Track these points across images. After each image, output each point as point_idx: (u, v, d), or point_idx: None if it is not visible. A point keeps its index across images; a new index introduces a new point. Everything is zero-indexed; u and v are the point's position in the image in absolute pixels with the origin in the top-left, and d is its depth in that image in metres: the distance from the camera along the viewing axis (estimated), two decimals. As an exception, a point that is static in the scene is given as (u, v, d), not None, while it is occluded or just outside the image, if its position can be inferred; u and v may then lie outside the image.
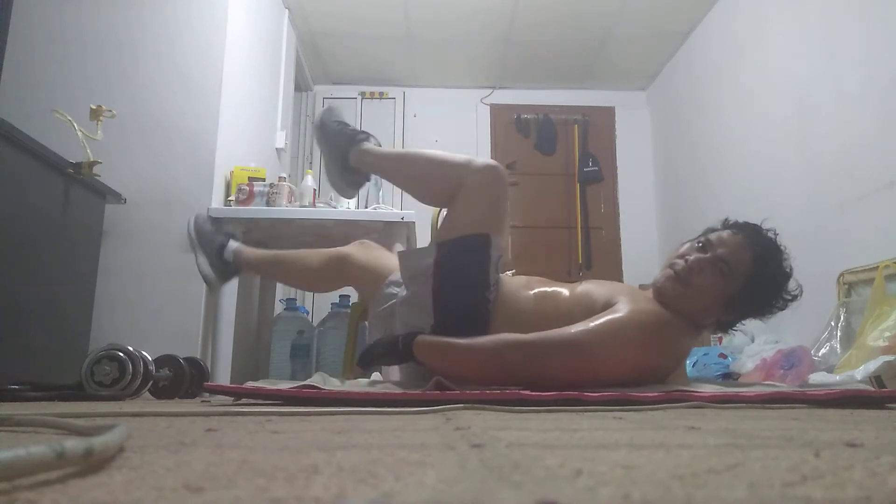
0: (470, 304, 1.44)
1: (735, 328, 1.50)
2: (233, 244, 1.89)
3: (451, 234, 1.51)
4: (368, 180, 1.86)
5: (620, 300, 1.36)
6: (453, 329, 1.40)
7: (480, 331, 1.39)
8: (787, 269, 1.40)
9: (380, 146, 1.77)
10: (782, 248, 1.42)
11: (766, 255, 1.39)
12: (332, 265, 1.78)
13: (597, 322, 1.31)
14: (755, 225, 1.45)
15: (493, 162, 1.54)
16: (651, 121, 4.74)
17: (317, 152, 4.51)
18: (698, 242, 1.43)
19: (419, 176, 1.65)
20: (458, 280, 1.47)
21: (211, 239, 1.88)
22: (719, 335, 2.93)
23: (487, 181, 1.50)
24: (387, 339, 1.45)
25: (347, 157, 1.71)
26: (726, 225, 1.46)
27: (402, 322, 1.52)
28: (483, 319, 1.43)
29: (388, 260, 1.75)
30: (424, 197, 1.68)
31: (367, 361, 1.42)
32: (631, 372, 1.31)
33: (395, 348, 1.38)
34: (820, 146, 2.67)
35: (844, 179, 2.49)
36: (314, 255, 1.84)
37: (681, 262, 1.41)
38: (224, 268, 1.88)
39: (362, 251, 1.79)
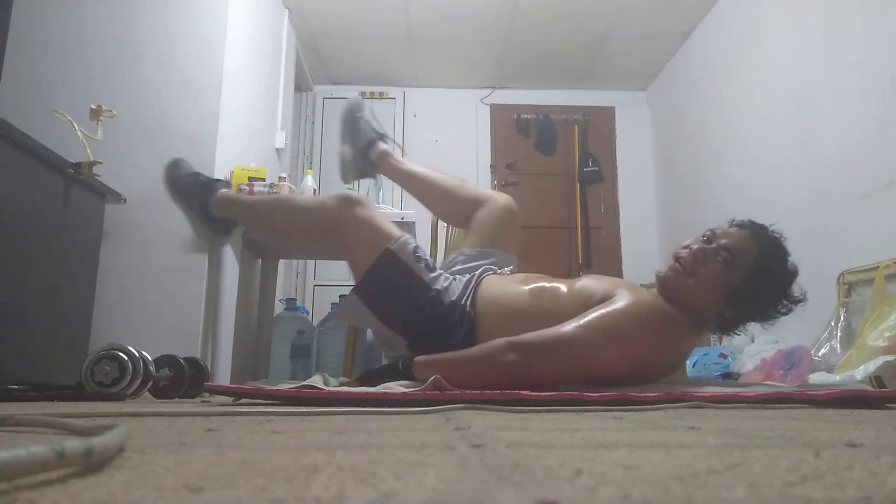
0: (421, 305, 1.48)
1: (737, 330, 1.48)
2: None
3: (358, 273, 1.56)
4: (237, 226, 1.88)
5: (618, 293, 1.35)
6: (429, 336, 1.46)
7: (462, 328, 1.42)
8: (792, 268, 1.40)
9: (235, 192, 1.80)
10: (787, 249, 1.42)
11: (769, 250, 1.39)
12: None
13: (590, 317, 1.30)
14: (762, 224, 1.45)
15: (341, 192, 1.60)
16: (651, 121, 4.74)
17: (316, 152, 4.52)
18: (703, 235, 1.44)
19: (283, 224, 1.70)
20: (392, 299, 1.52)
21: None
22: (720, 335, 2.93)
23: (351, 213, 1.55)
24: (386, 365, 1.53)
25: (208, 208, 1.73)
26: (732, 223, 1.47)
27: (385, 353, 1.63)
28: (455, 315, 1.46)
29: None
30: (293, 239, 1.75)
31: (368, 382, 1.43)
32: (628, 368, 1.30)
33: (395, 372, 1.41)
34: (820, 146, 2.67)
35: (844, 179, 2.49)
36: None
37: (685, 251, 1.41)
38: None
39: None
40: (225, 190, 1.76)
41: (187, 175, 1.78)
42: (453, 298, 1.50)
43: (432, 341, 1.44)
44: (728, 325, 1.46)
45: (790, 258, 1.41)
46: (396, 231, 1.58)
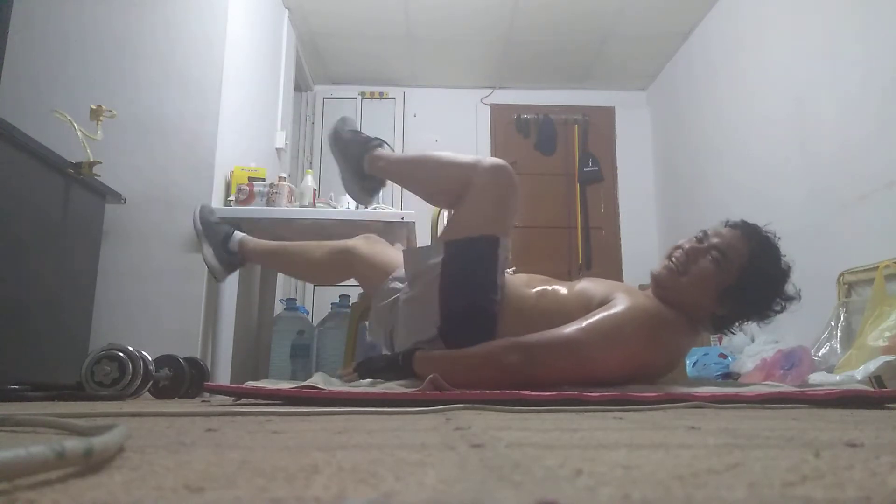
0: (476, 306, 1.43)
1: (732, 329, 1.48)
2: (237, 235, 1.91)
3: (458, 233, 1.49)
4: (384, 185, 1.87)
5: (617, 297, 1.37)
6: (459, 330, 1.42)
7: (487, 332, 1.40)
8: (784, 267, 1.41)
9: (392, 151, 1.79)
10: (779, 248, 1.43)
11: (761, 249, 1.40)
12: (336, 257, 1.79)
13: (592, 320, 1.31)
14: (754, 223, 1.46)
15: (501, 162, 1.52)
16: (651, 121, 4.74)
17: (316, 152, 4.52)
18: (696, 236, 1.46)
19: (429, 179, 1.65)
20: (466, 281, 1.46)
21: (216, 230, 1.91)
22: (718, 336, 2.93)
23: (494, 181, 1.48)
24: (388, 355, 1.47)
25: (362, 164, 1.73)
26: (726, 223, 1.48)
27: (405, 321, 1.52)
28: (490, 321, 1.43)
29: (392, 254, 1.75)
30: (435, 198, 1.69)
31: (366, 374, 1.42)
32: (628, 370, 1.32)
33: (395, 364, 1.39)
34: (820, 146, 2.67)
35: (844, 179, 2.49)
36: (318, 246, 1.86)
37: (678, 251, 1.44)
38: (229, 258, 1.90)
39: (367, 245, 1.80)
40: (381, 148, 1.74)
41: (350, 131, 1.78)
42: (496, 309, 1.46)
43: (462, 336, 1.40)
44: (722, 324, 1.46)
45: (783, 257, 1.42)
46: (511, 227, 1.54)
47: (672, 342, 1.39)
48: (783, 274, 1.40)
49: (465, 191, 1.50)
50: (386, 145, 1.78)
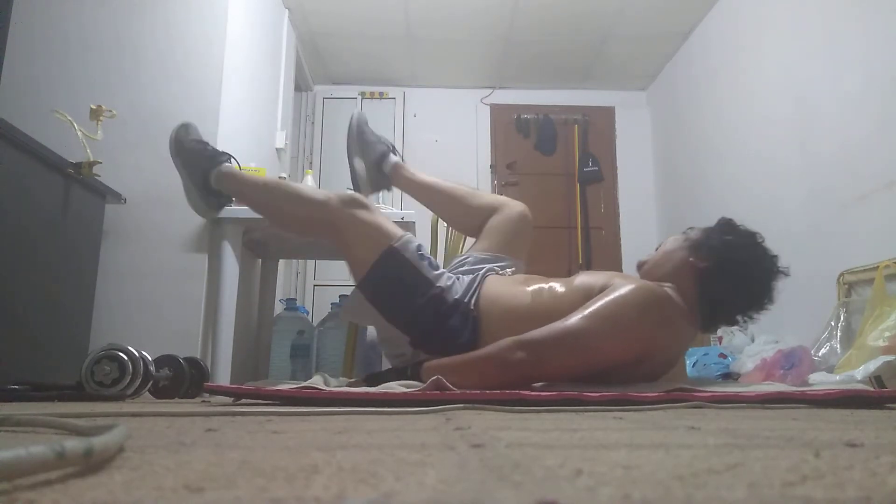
0: (424, 303, 1.48)
1: (729, 309, 1.48)
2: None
3: (360, 271, 1.56)
4: (231, 202, 1.87)
5: (616, 282, 1.39)
6: (433, 334, 1.47)
7: (467, 327, 1.43)
8: (751, 231, 1.49)
9: (238, 168, 1.76)
10: (755, 235, 1.49)
11: (730, 228, 1.50)
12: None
13: (593, 307, 1.32)
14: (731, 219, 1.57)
15: (346, 192, 1.60)
16: (651, 121, 4.74)
17: (316, 152, 4.52)
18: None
19: (285, 214, 1.69)
20: (396, 296, 1.53)
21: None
22: (718, 336, 2.93)
23: (353, 213, 1.55)
24: (395, 369, 1.52)
25: (208, 178, 1.72)
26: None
27: (387, 353, 1.62)
28: (458, 313, 1.47)
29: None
30: (286, 228, 1.73)
31: (375, 385, 1.43)
32: (634, 353, 1.32)
33: (403, 377, 1.42)
34: (820, 146, 2.67)
35: (844, 179, 2.49)
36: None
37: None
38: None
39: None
40: (229, 164, 1.74)
41: (194, 141, 1.76)
42: (457, 297, 1.51)
43: (435, 339, 1.46)
44: (714, 311, 1.47)
45: (758, 237, 1.49)
46: (399, 230, 1.59)
47: (674, 323, 1.39)
48: (750, 231, 1.49)
49: (334, 233, 1.56)
50: (233, 160, 1.76)
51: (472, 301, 1.50)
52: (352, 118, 1.95)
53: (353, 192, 1.63)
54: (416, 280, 1.51)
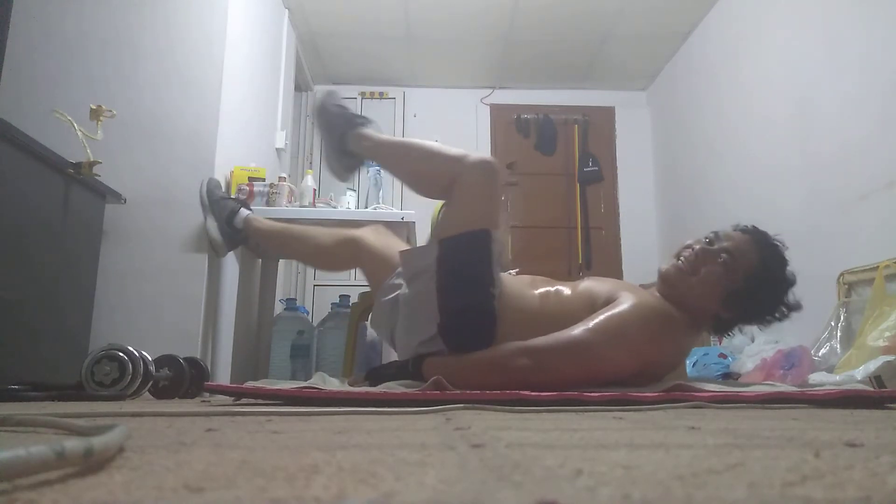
0: (475, 300, 1.43)
1: (732, 332, 1.51)
2: (244, 212, 1.92)
3: (450, 230, 1.50)
4: (363, 164, 1.86)
5: (622, 295, 1.37)
6: (458, 327, 1.42)
7: (488, 329, 1.40)
8: (790, 277, 1.43)
9: (380, 132, 1.76)
10: (786, 257, 1.45)
11: (769, 257, 1.42)
12: (343, 246, 1.79)
13: (599, 319, 1.32)
14: (764, 230, 1.49)
15: (487, 157, 1.53)
16: (651, 121, 4.74)
17: (317, 152, 4.52)
18: (706, 237, 1.48)
19: (414, 166, 1.65)
20: (462, 277, 1.47)
21: (222, 204, 1.92)
22: (718, 336, 2.93)
23: (482, 177, 1.49)
24: (397, 362, 1.49)
25: (346, 140, 1.71)
26: (737, 228, 1.51)
27: (405, 320, 1.51)
28: (490, 316, 1.43)
29: (400, 247, 1.75)
30: (417, 187, 1.67)
31: (377, 381, 1.43)
32: (636, 366, 1.33)
33: (405, 371, 1.40)
34: (820, 146, 2.67)
35: (844, 179, 2.49)
36: (326, 233, 1.85)
37: (688, 251, 1.45)
38: (232, 234, 1.92)
39: (375, 236, 1.80)
40: (366, 128, 1.72)
41: (336, 105, 1.76)
42: (496, 303, 1.46)
43: (462, 333, 1.40)
44: (724, 327, 1.49)
45: (789, 267, 1.44)
46: (500, 221, 1.54)
47: (677, 339, 1.40)
48: (788, 283, 1.42)
49: (453, 185, 1.50)
50: (374, 125, 1.75)
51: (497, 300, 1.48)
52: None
53: (490, 158, 1.56)
54: (485, 273, 1.45)
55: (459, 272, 1.47)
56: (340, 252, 1.80)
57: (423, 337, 1.44)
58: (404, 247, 1.74)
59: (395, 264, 1.64)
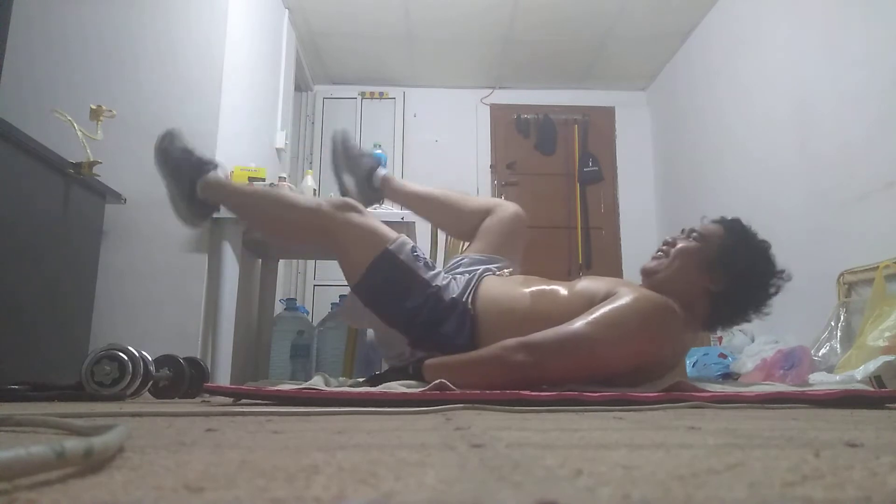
0: (422, 303, 1.48)
1: (732, 319, 1.50)
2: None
3: (355, 274, 1.55)
4: (217, 211, 1.83)
5: (620, 290, 1.38)
6: (430, 333, 1.47)
7: (464, 326, 1.44)
8: (763, 241, 1.48)
9: (226, 176, 1.75)
10: (752, 229, 1.51)
11: (735, 226, 1.50)
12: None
13: (597, 314, 1.32)
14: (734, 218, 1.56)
15: (339, 199, 1.60)
16: (651, 121, 4.74)
17: (317, 152, 4.51)
18: (681, 231, 1.56)
19: (271, 217, 1.67)
20: (393, 298, 1.52)
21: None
22: (719, 335, 2.93)
23: (344, 216, 1.55)
24: (396, 368, 1.52)
25: (195, 188, 1.69)
26: (702, 219, 1.60)
27: (386, 352, 1.60)
28: (456, 312, 1.47)
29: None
30: (276, 235, 1.71)
31: (377, 383, 1.43)
32: (636, 360, 1.33)
33: (405, 375, 1.42)
34: (820, 146, 2.67)
35: (844, 179, 2.49)
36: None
37: (663, 245, 1.54)
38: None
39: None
40: (215, 173, 1.70)
41: (180, 149, 1.73)
42: (454, 296, 1.51)
43: (433, 339, 1.46)
44: (721, 308, 1.47)
45: (760, 238, 1.49)
46: (393, 233, 1.59)
47: (676, 334, 1.40)
48: (763, 246, 1.47)
49: (327, 238, 1.56)
50: (221, 169, 1.72)
51: (469, 300, 1.50)
52: (335, 135, 1.94)
53: (343, 196, 1.62)
54: (412, 281, 1.51)
55: (388, 297, 1.53)
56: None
57: (404, 357, 1.51)
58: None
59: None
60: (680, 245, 1.48)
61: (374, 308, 1.54)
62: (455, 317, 1.47)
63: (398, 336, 1.52)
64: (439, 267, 1.68)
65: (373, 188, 1.90)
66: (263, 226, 1.74)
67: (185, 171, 1.70)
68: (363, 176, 1.89)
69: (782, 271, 1.46)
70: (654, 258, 1.53)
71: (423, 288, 1.50)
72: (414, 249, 1.57)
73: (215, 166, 1.72)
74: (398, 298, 1.51)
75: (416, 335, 1.49)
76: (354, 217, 1.56)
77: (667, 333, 1.36)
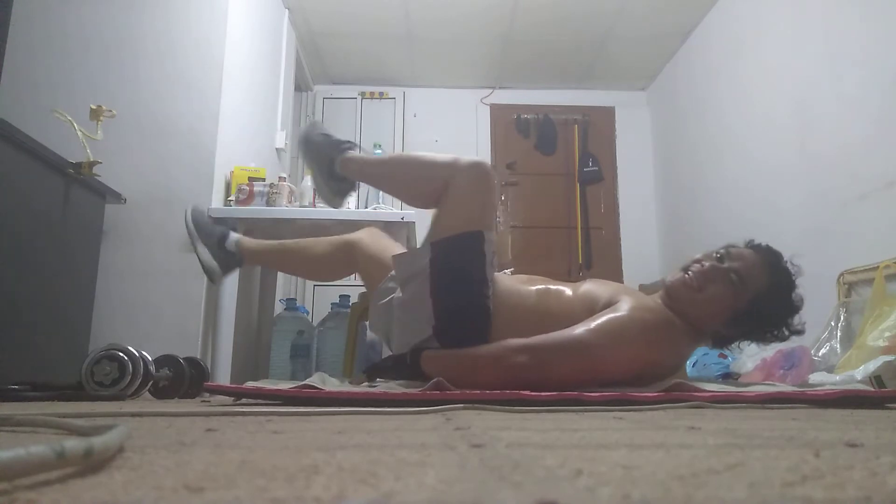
0: (469, 302, 1.43)
1: (731, 347, 1.51)
2: (234, 235, 1.88)
3: (443, 233, 1.49)
4: (355, 189, 1.86)
5: (622, 299, 1.37)
6: (453, 328, 1.42)
7: (482, 329, 1.40)
8: (798, 302, 1.41)
9: (367, 154, 1.79)
10: (796, 281, 1.42)
11: (779, 283, 1.40)
12: (338, 252, 1.80)
13: (599, 321, 1.32)
14: (777, 252, 1.46)
15: (478, 159, 1.53)
16: (651, 121, 4.74)
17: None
18: (717, 253, 1.45)
19: (405, 179, 1.65)
20: (456, 279, 1.46)
21: (210, 230, 1.86)
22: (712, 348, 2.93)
23: (474, 179, 1.49)
24: (394, 356, 1.48)
25: (334, 166, 1.71)
26: (749, 244, 1.48)
27: (400, 322, 1.51)
28: (484, 317, 1.43)
29: (395, 249, 1.75)
30: (412, 199, 1.67)
31: (374, 375, 1.42)
32: (634, 370, 1.33)
33: (402, 364, 1.40)
34: (820, 146, 2.67)
35: (844, 179, 2.49)
36: (321, 243, 1.85)
37: (697, 266, 1.43)
38: (227, 258, 1.86)
39: (370, 239, 1.80)
40: (353, 151, 1.73)
41: (320, 134, 1.77)
42: (489, 303, 1.46)
43: (457, 334, 1.41)
44: (723, 342, 1.49)
45: (797, 290, 1.42)
46: (493, 223, 1.54)
47: (675, 345, 1.40)
48: (794, 309, 1.41)
49: (445, 190, 1.50)
50: (357, 147, 1.76)
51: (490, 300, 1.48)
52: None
53: (481, 160, 1.56)
54: (479, 277, 1.45)
55: (453, 274, 1.47)
56: (337, 259, 1.81)
57: (419, 338, 1.44)
58: (399, 249, 1.74)
59: (390, 267, 1.64)
60: (716, 286, 1.38)
61: (435, 271, 1.46)
62: (482, 317, 1.43)
63: (427, 312, 1.44)
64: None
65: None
66: (394, 187, 1.73)
67: (325, 151, 1.72)
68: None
69: (799, 332, 1.43)
70: (680, 280, 1.43)
71: (481, 288, 1.45)
72: (494, 254, 1.52)
73: (354, 145, 1.74)
74: (459, 282, 1.46)
75: (446, 323, 1.43)
76: (481, 182, 1.49)
77: (665, 345, 1.37)
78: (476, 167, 1.50)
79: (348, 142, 1.74)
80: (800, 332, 1.43)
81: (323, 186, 1.76)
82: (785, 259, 1.44)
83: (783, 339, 1.43)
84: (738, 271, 1.38)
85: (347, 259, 1.80)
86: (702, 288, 1.39)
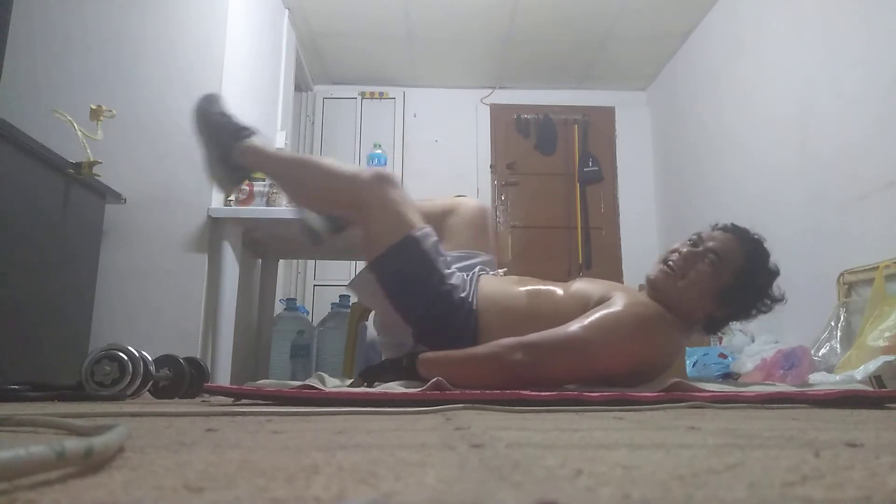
0: (435, 296, 1.46)
1: (723, 330, 1.53)
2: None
3: (375, 250, 1.51)
4: (250, 178, 1.80)
5: (615, 295, 1.39)
6: (433, 328, 1.45)
7: (465, 322, 1.43)
8: (773, 269, 1.46)
9: (267, 144, 1.71)
10: (768, 250, 1.48)
11: (754, 252, 1.45)
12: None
13: (593, 317, 1.33)
14: (744, 227, 1.51)
15: (377, 168, 1.57)
16: (651, 121, 4.74)
17: (317, 152, 4.51)
18: (689, 239, 1.49)
19: (306, 185, 1.63)
20: (408, 285, 1.49)
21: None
22: (711, 336, 2.93)
23: (379, 190, 1.50)
24: (392, 359, 1.49)
25: (231, 153, 1.66)
26: (715, 227, 1.53)
27: (387, 340, 1.56)
28: (459, 307, 1.45)
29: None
30: (309, 203, 1.64)
31: (372, 379, 1.43)
32: (630, 365, 1.34)
33: (399, 366, 1.41)
34: (820, 146, 2.67)
35: (844, 179, 2.49)
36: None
37: (674, 255, 1.47)
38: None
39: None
40: (255, 138, 1.67)
41: (218, 113, 1.70)
42: (462, 295, 1.49)
43: (439, 336, 1.43)
44: (715, 326, 1.50)
45: (771, 258, 1.47)
46: (421, 221, 1.54)
47: (669, 338, 1.42)
48: (773, 275, 1.45)
49: (358, 207, 1.51)
50: (260, 136, 1.68)
51: (474, 300, 1.50)
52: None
53: (382, 170, 1.57)
54: (430, 273, 1.47)
55: (403, 284, 1.49)
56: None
57: (405, 348, 1.47)
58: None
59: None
60: (697, 269, 1.42)
61: (386, 289, 1.49)
62: (462, 316, 1.46)
63: (403, 325, 1.49)
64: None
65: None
66: (296, 192, 1.66)
67: (223, 134, 1.67)
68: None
69: (780, 300, 1.46)
70: (661, 271, 1.45)
71: (439, 284, 1.47)
72: (437, 243, 1.54)
73: (254, 132, 1.69)
74: (413, 287, 1.48)
75: (422, 329, 1.47)
76: (391, 192, 1.51)
77: (660, 339, 1.38)
78: (377, 177, 1.52)
79: (248, 128, 1.68)
80: (782, 300, 1.45)
81: (217, 169, 1.69)
82: (751, 232, 1.49)
83: (767, 310, 1.45)
84: (715, 250, 1.43)
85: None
86: (684, 274, 1.43)
